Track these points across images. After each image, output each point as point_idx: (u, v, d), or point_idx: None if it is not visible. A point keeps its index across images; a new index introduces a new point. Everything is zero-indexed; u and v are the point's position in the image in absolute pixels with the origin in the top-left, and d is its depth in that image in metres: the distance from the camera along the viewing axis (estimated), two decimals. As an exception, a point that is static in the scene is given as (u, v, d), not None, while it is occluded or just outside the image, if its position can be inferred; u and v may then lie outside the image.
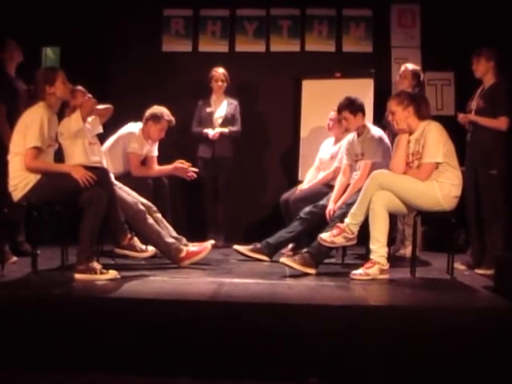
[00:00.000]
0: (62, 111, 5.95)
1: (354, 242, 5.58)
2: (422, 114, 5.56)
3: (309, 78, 8.57)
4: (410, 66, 7.04)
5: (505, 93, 6.01)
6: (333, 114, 7.02)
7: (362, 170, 6.20)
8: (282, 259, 5.70)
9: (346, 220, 5.52)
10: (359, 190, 5.62)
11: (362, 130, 6.35)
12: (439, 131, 5.43)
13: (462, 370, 4.03)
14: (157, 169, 6.99)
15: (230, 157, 7.94)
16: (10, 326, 4.25)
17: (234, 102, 8.01)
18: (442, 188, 5.36)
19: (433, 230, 7.49)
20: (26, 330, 4.23)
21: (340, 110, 6.37)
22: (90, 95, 6.15)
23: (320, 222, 6.22)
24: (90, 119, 6.16)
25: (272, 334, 4.11)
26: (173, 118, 6.88)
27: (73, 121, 5.93)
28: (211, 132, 7.77)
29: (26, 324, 4.24)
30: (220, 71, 7.92)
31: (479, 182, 6.05)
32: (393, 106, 5.59)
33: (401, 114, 5.53)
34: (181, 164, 6.82)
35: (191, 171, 6.84)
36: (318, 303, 4.46)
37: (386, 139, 6.33)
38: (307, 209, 6.44)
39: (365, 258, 5.69)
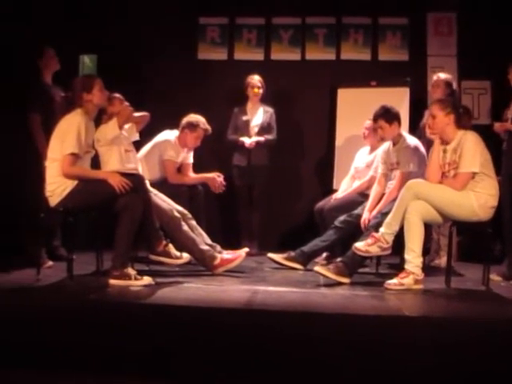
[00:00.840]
0: (100, 118, 5.99)
1: (389, 251, 5.56)
2: (462, 124, 5.51)
3: (344, 87, 8.56)
4: (443, 75, 7.00)
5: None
6: (368, 122, 7.00)
7: (397, 179, 6.17)
8: (316, 268, 5.69)
9: (381, 229, 5.50)
10: (394, 200, 5.60)
11: (397, 139, 6.32)
12: (476, 141, 5.39)
13: (496, 382, 3.99)
14: (192, 176, 7.03)
15: (265, 165, 7.94)
16: (45, 330, 4.27)
17: (270, 110, 8.02)
18: (478, 198, 5.32)
19: (468, 240, 7.42)
20: (61, 334, 4.25)
21: (375, 118, 6.34)
22: (128, 103, 6.19)
23: (355, 231, 6.20)
24: (126, 126, 6.18)
25: (306, 343, 4.10)
26: (209, 127, 6.91)
27: (109, 128, 5.95)
28: (248, 141, 7.78)
29: (60, 328, 4.27)
30: (256, 78, 7.93)
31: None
32: (435, 110, 5.54)
33: (441, 119, 5.48)
34: (217, 177, 6.86)
35: (221, 186, 6.89)
36: (352, 312, 4.45)
37: (422, 148, 6.29)
38: (342, 218, 6.42)
39: (399, 267, 5.65)
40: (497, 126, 6.12)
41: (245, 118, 7.94)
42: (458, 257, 7.28)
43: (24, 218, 6.29)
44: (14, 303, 4.53)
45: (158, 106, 7.60)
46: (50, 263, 6.11)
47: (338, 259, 5.80)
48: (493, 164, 5.48)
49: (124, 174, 5.38)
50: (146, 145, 6.90)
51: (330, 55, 8.74)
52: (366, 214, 6.22)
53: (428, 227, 5.73)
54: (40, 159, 5.69)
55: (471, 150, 5.33)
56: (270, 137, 7.88)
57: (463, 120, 5.53)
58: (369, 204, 6.31)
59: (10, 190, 6.41)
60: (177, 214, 5.95)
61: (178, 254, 5.71)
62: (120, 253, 5.21)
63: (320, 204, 7.09)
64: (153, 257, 5.66)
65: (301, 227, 8.20)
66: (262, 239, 7.94)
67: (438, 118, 5.52)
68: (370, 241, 5.52)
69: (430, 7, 8.51)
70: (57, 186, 5.33)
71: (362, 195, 6.76)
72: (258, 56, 8.83)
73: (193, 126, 6.85)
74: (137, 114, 6.23)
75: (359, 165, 7.21)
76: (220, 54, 8.87)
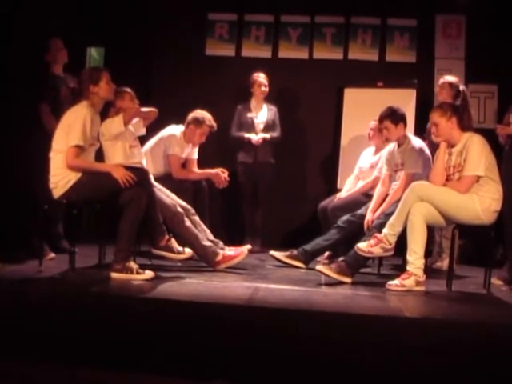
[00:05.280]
0: (107, 110, 5.99)
1: (392, 252, 5.56)
2: (465, 124, 5.52)
3: (351, 87, 8.56)
4: (448, 78, 6.98)
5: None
6: (374, 123, 7.00)
7: (401, 180, 6.17)
8: (318, 267, 5.69)
9: (384, 230, 5.50)
10: (398, 201, 5.59)
11: (402, 141, 6.32)
12: (482, 144, 5.38)
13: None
14: (197, 172, 7.03)
15: (271, 163, 7.93)
16: (46, 321, 4.29)
17: (274, 108, 8.01)
18: (482, 202, 5.32)
19: (470, 243, 7.42)
20: (61, 326, 4.26)
21: (381, 119, 6.34)
22: (137, 101, 6.19)
23: (357, 231, 6.20)
24: (133, 121, 6.17)
25: (306, 341, 4.10)
26: (214, 124, 6.91)
27: (115, 123, 5.94)
28: (255, 137, 7.76)
29: (60, 320, 4.28)
30: (262, 76, 7.91)
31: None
32: (436, 117, 5.54)
33: (445, 125, 5.48)
34: (221, 172, 6.86)
35: (225, 182, 6.89)
36: (352, 312, 4.45)
37: (427, 150, 6.29)
38: (345, 217, 6.42)
39: (401, 268, 5.66)
40: (499, 128, 6.09)
41: (250, 115, 7.92)
42: (460, 260, 7.24)
43: (27, 210, 6.28)
44: (16, 294, 4.54)
45: (165, 101, 7.62)
46: (53, 255, 6.11)
47: (341, 259, 5.81)
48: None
49: (128, 168, 5.38)
50: (152, 139, 6.89)
51: (337, 55, 8.73)
52: (370, 214, 6.22)
53: (431, 229, 5.72)
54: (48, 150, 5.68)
55: (477, 153, 5.33)
56: (274, 134, 7.87)
57: (465, 120, 5.54)
58: (372, 204, 6.31)
59: (15, 181, 6.41)
60: (180, 210, 5.95)
61: (180, 249, 5.72)
62: (123, 246, 5.22)
63: (324, 203, 7.09)
64: (155, 251, 5.66)
65: (304, 226, 8.21)
66: (265, 237, 7.94)
67: (442, 125, 5.51)
68: (372, 241, 5.52)
69: (439, 9, 8.50)
70: (61, 178, 5.34)
71: (366, 195, 6.75)
72: (266, 53, 8.82)
73: (198, 122, 6.85)
74: (145, 109, 6.22)
75: (364, 165, 7.20)
76: (228, 51, 8.86)
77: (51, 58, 6.62)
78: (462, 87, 6.94)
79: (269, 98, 8.06)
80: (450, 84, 6.88)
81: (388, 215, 5.65)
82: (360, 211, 6.40)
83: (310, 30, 8.78)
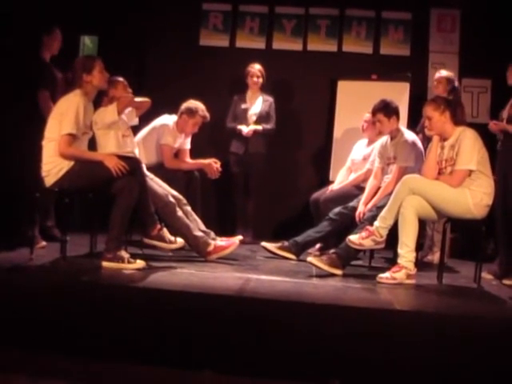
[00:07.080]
0: (100, 99, 5.97)
1: (383, 245, 5.57)
2: (458, 118, 5.52)
3: (345, 79, 8.54)
4: (445, 72, 7.04)
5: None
6: (367, 115, 6.98)
7: (393, 173, 6.17)
8: (309, 258, 5.70)
9: (376, 223, 5.50)
10: (390, 194, 5.60)
11: (395, 134, 6.32)
12: (475, 138, 5.39)
13: (484, 379, 4.01)
14: (189, 162, 7.02)
15: (262, 153, 7.90)
16: (36, 310, 4.28)
17: (270, 99, 7.98)
18: (473, 196, 5.32)
19: (462, 237, 7.43)
20: (51, 315, 4.26)
21: (374, 112, 6.34)
22: (130, 90, 6.18)
23: (349, 223, 6.21)
24: (126, 110, 6.15)
25: (296, 333, 4.11)
26: (207, 114, 6.90)
27: (108, 112, 5.92)
28: (245, 129, 7.75)
29: (50, 308, 4.28)
30: (256, 67, 7.89)
31: (508, 191, 5.97)
32: (429, 111, 5.54)
33: (438, 118, 5.49)
34: (214, 163, 6.86)
35: (217, 172, 6.90)
36: (343, 304, 4.45)
37: (419, 144, 6.30)
38: (337, 209, 6.42)
39: (392, 261, 5.67)
40: (491, 124, 6.09)
41: (243, 106, 7.91)
42: (451, 253, 7.28)
43: (19, 198, 6.26)
44: (6, 282, 4.53)
45: (158, 90, 7.62)
46: (44, 243, 6.09)
47: (332, 251, 5.81)
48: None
49: (121, 157, 5.37)
50: (144, 129, 6.88)
51: (331, 47, 8.72)
52: (361, 207, 6.22)
53: (422, 223, 5.73)
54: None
55: (469, 148, 5.34)
56: (267, 126, 7.84)
57: (458, 114, 5.54)
58: (364, 197, 6.31)
59: (7, 169, 6.38)
60: (172, 200, 5.94)
61: (172, 238, 5.70)
62: (114, 235, 5.21)
63: (316, 195, 7.08)
64: (147, 241, 5.65)
65: (296, 217, 8.20)
66: (257, 228, 7.94)
67: (435, 119, 5.52)
68: (364, 234, 5.53)
69: (434, 3, 8.50)
70: (53, 166, 5.32)
71: (358, 188, 6.75)
72: (260, 45, 8.80)
73: (191, 112, 6.84)
74: (138, 99, 6.21)
75: (356, 157, 7.20)
76: (222, 41, 8.84)
77: (47, 43, 6.57)
78: (456, 82, 6.98)
79: (264, 90, 8.04)
80: (448, 79, 6.91)
81: (380, 208, 5.66)
82: (352, 203, 6.40)
83: (304, 21, 8.76)
